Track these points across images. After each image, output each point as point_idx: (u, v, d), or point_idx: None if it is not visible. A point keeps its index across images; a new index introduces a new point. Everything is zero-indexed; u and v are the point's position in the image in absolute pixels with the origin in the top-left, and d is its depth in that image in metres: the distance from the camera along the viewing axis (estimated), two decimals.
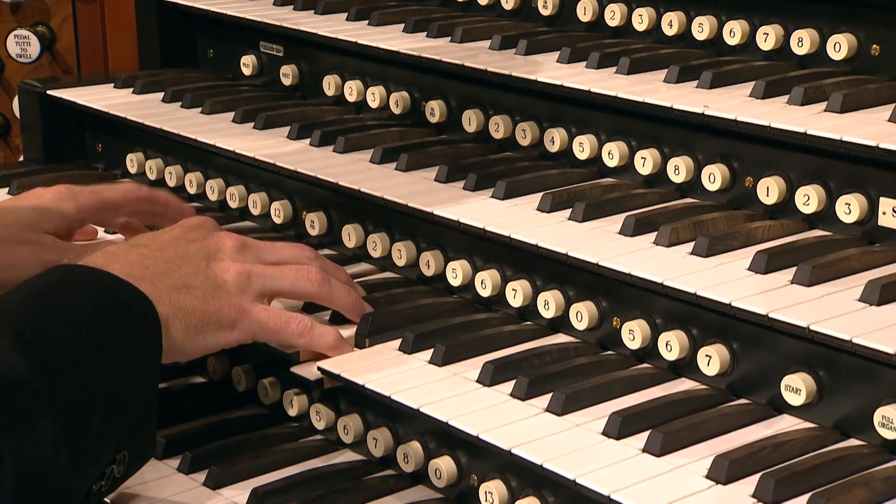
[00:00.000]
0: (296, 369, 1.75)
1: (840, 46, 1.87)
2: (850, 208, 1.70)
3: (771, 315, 1.52)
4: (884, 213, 1.69)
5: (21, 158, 2.74)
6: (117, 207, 2.03)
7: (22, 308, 1.53)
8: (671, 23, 2.07)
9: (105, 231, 2.20)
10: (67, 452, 1.42)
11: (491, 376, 1.68)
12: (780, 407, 1.59)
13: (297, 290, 1.76)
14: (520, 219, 1.83)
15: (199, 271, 1.67)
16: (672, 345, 1.66)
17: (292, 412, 1.87)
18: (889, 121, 1.69)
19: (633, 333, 1.70)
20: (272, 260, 1.76)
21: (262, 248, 1.77)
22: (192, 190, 2.36)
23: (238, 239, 1.74)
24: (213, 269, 1.68)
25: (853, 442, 1.53)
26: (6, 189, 2.44)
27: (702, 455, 1.50)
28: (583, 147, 1.99)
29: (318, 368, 1.73)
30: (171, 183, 2.39)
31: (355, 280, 1.92)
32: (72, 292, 1.56)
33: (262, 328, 1.69)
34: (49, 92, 2.57)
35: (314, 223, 2.12)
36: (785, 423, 1.57)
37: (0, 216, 1.91)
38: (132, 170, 2.48)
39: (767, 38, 1.95)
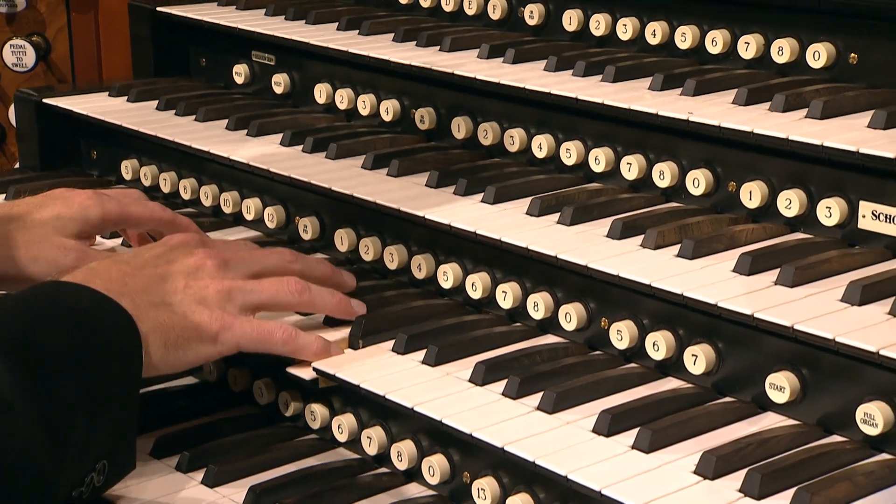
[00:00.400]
0: (291, 369, 1.75)
1: (819, 55, 1.89)
2: (830, 212, 1.71)
3: (756, 315, 1.53)
4: (863, 217, 1.70)
5: (17, 166, 2.73)
6: (140, 224, 2.01)
7: (6, 318, 1.54)
8: (654, 32, 2.08)
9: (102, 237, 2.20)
10: (48, 446, 1.42)
11: (483, 376, 1.68)
12: (765, 405, 1.61)
13: (278, 303, 1.75)
14: (510, 223, 1.84)
15: (177, 289, 1.67)
16: (659, 345, 1.67)
17: (287, 412, 1.87)
18: (868, 127, 1.71)
19: (621, 334, 1.71)
20: (255, 271, 1.76)
21: (243, 261, 1.76)
22: (186, 196, 2.36)
23: (218, 257, 1.74)
24: (193, 287, 1.68)
25: (836, 438, 1.54)
26: (3, 195, 2.44)
27: (689, 451, 1.51)
28: (570, 153, 2.00)
29: (314, 369, 1.73)
30: (166, 189, 2.39)
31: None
32: (54, 306, 1.57)
33: (246, 339, 1.69)
34: (45, 100, 2.57)
35: (307, 228, 2.13)
36: (769, 421, 1.59)
37: (31, 213, 1.91)
38: (127, 176, 2.48)
39: (748, 47, 1.96)
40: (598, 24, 2.16)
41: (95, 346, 1.54)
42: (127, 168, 2.48)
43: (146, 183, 2.43)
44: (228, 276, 1.72)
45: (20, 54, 2.81)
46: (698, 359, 1.64)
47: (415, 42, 2.27)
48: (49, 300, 1.58)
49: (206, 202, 2.32)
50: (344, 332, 1.80)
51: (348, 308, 1.81)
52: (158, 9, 2.68)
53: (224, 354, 1.69)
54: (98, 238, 2.18)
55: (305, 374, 1.73)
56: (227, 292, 1.69)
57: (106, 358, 1.54)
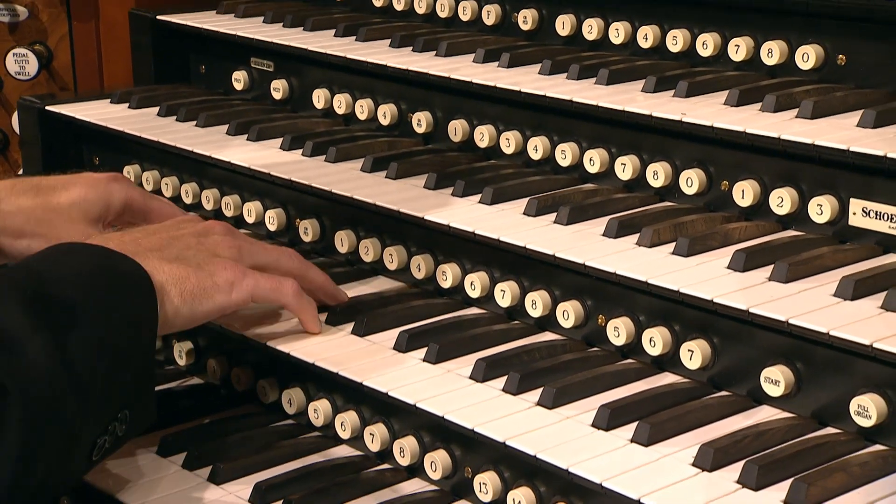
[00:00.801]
0: None
1: (808, 57, 1.89)
2: (821, 209, 1.72)
3: (752, 310, 1.54)
4: (854, 214, 1.70)
5: (20, 172, 2.72)
6: (156, 220, 1.98)
7: (26, 274, 1.56)
8: (646, 36, 2.08)
9: None
10: (73, 394, 1.44)
11: (483, 373, 1.68)
12: (760, 398, 1.61)
13: (280, 266, 1.80)
14: (507, 223, 1.84)
15: (190, 245, 1.72)
16: (655, 340, 1.67)
17: (291, 410, 1.87)
18: (857, 126, 1.71)
19: (618, 330, 1.71)
20: (257, 251, 1.81)
21: (248, 239, 1.82)
22: (188, 200, 2.35)
23: (226, 226, 1.81)
24: (205, 243, 1.73)
25: (830, 430, 1.54)
26: None
27: (687, 444, 1.51)
28: (565, 154, 2.00)
29: (314, 365, 1.73)
30: (168, 193, 2.39)
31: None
32: (71, 262, 1.59)
33: (260, 288, 1.72)
34: (48, 107, 2.56)
35: (307, 230, 2.12)
36: (765, 414, 1.59)
37: (57, 190, 1.91)
38: None
39: (739, 49, 1.97)
40: (591, 29, 2.16)
41: (111, 296, 1.55)
42: (129, 173, 2.47)
43: (148, 188, 2.43)
44: (236, 238, 1.78)
45: (23, 63, 2.80)
46: (694, 354, 1.64)
47: (411, 47, 2.27)
48: (65, 256, 1.60)
49: (208, 206, 2.31)
50: (346, 330, 1.80)
51: (335, 291, 1.88)
52: (158, 17, 2.67)
53: (238, 305, 1.71)
54: None
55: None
56: (239, 247, 1.76)
57: (122, 307, 1.56)
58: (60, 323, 1.47)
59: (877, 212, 1.68)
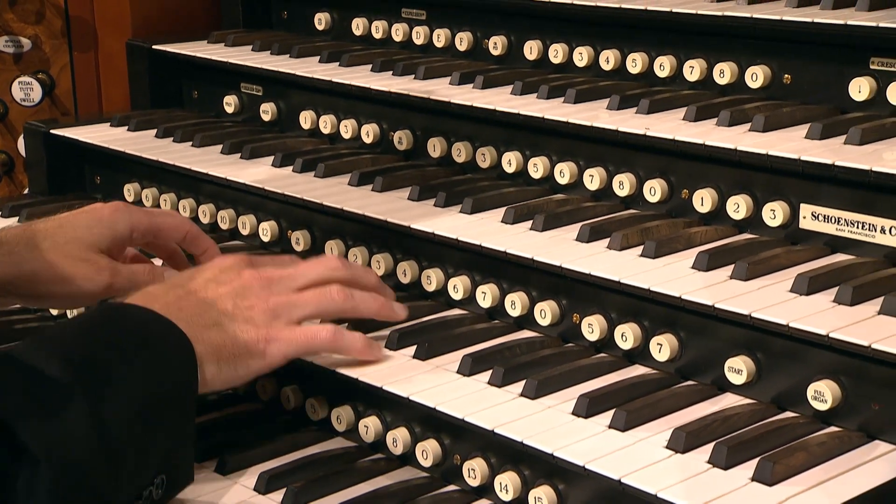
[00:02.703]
0: None
1: (757, 76, 1.91)
2: (774, 214, 1.73)
3: (717, 305, 1.54)
4: (804, 217, 1.72)
5: (25, 192, 2.69)
6: (167, 235, 1.92)
7: (72, 335, 1.50)
8: (608, 59, 2.09)
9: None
10: (106, 464, 1.37)
11: (470, 367, 1.68)
12: (724, 386, 1.61)
13: (322, 311, 1.69)
14: (487, 230, 1.84)
15: (227, 311, 1.62)
16: (627, 336, 1.68)
17: (289, 406, 1.85)
18: (805, 138, 1.73)
19: (592, 327, 1.71)
20: (299, 286, 1.69)
21: (287, 278, 1.69)
22: (185, 215, 2.32)
23: (264, 277, 1.67)
24: (240, 307, 1.63)
25: (789, 414, 1.55)
26: (16, 218, 2.40)
27: (660, 429, 1.51)
28: (536, 167, 2.00)
29: (311, 363, 1.72)
30: (167, 209, 2.37)
31: None
32: (117, 326, 1.53)
33: (293, 347, 1.64)
34: (52, 131, 2.53)
35: (299, 240, 2.11)
36: (729, 400, 1.59)
37: (60, 230, 1.82)
38: (129, 199, 2.45)
39: (693, 70, 1.98)
40: (557, 53, 2.16)
41: (155, 366, 1.49)
42: (129, 191, 2.45)
43: (147, 204, 2.41)
44: (274, 293, 1.66)
45: (27, 90, 2.78)
46: (663, 347, 1.64)
47: (391, 72, 2.27)
48: (114, 322, 1.53)
49: (205, 220, 2.29)
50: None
51: (391, 311, 1.75)
52: (154, 47, 2.65)
53: (274, 367, 1.64)
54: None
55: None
56: (273, 310, 1.64)
57: (165, 378, 1.50)
58: (100, 390, 1.40)
59: (825, 215, 1.69)
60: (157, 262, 1.99)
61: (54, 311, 2.11)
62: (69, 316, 2.05)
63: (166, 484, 1.49)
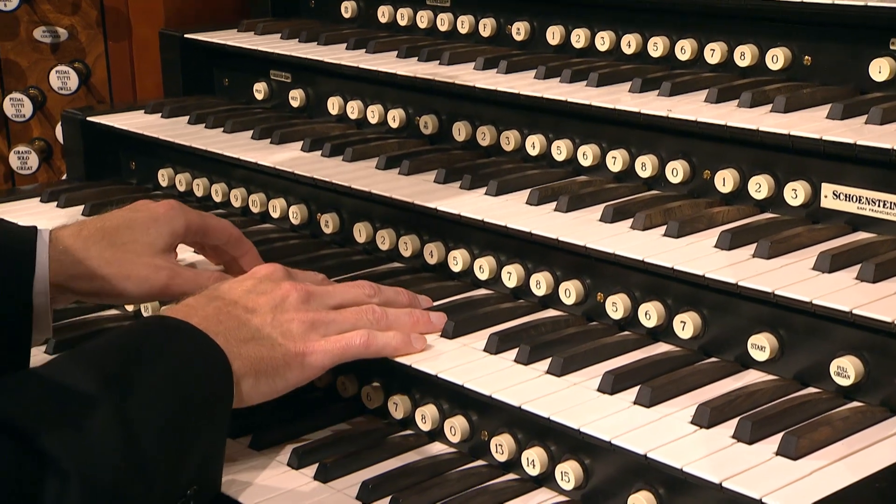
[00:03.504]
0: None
1: (777, 58, 1.87)
2: (796, 193, 1.70)
3: (740, 283, 1.51)
4: (825, 197, 1.68)
5: (64, 177, 2.68)
6: (215, 236, 1.90)
7: (107, 350, 1.47)
8: (629, 43, 2.06)
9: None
10: (138, 479, 1.34)
11: (496, 346, 1.65)
12: (747, 363, 1.58)
13: (357, 327, 1.65)
14: (512, 211, 1.81)
15: (265, 323, 1.59)
16: (650, 314, 1.65)
17: (321, 384, 1.83)
18: (827, 118, 1.70)
19: (616, 305, 1.69)
20: (334, 304, 1.67)
21: (324, 294, 1.66)
22: (217, 199, 2.32)
23: (302, 290, 1.64)
24: (279, 319, 1.60)
25: (811, 390, 1.52)
26: (55, 203, 2.39)
27: (685, 405, 1.49)
28: (560, 150, 1.97)
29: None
30: (199, 193, 2.35)
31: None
32: (153, 340, 1.50)
33: (329, 357, 1.60)
34: (89, 118, 2.52)
35: (328, 223, 2.09)
36: (752, 377, 1.56)
37: (118, 231, 1.79)
38: (163, 183, 2.44)
39: (714, 53, 1.94)
40: (579, 38, 2.13)
41: (190, 381, 1.46)
42: (163, 176, 2.43)
43: (181, 189, 2.39)
44: (311, 308, 1.63)
45: (65, 79, 2.76)
46: (686, 325, 1.61)
47: (416, 58, 2.24)
48: (150, 336, 1.50)
49: (236, 203, 2.28)
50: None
51: (427, 323, 1.70)
52: (186, 36, 2.63)
53: (311, 378, 1.61)
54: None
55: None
56: (310, 323, 1.60)
57: (199, 393, 1.47)
58: (131, 404, 1.36)
59: (846, 194, 1.66)
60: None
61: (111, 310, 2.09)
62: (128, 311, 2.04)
63: (196, 493, 1.47)
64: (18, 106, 2.82)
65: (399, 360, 1.65)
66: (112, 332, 1.55)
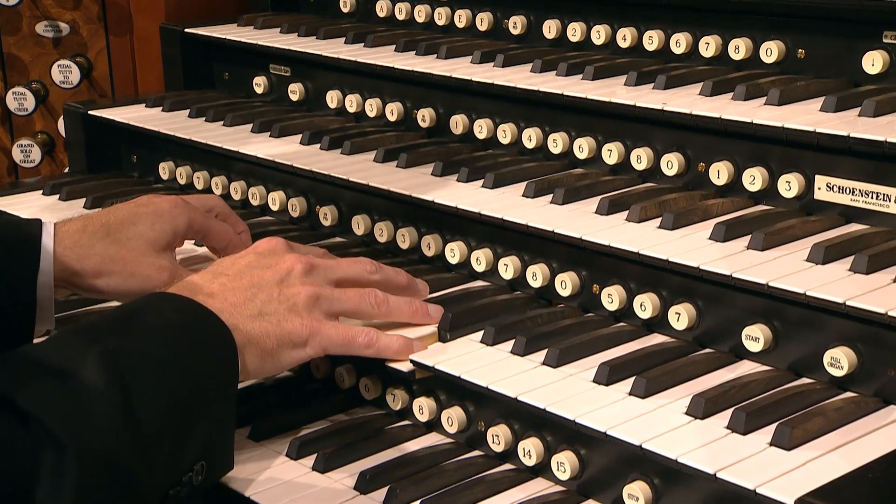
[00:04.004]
0: (390, 364, 1.63)
1: (771, 52, 1.85)
2: (789, 185, 1.68)
3: (735, 275, 1.50)
4: (819, 189, 1.67)
5: (66, 170, 2.66)
6: (214, 239, 1.89)
7: (109, 325, 1.45)
8: (625, 37, 2.04)
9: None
10: (136, 449, 1.32)
11: (493, 337, 1.64)
12: (741, 354, 1.57)
13: (359, 312, 1.64)
14: (509, 204, 1.80)
15: (272, 298, 1.57)
16: (645, 305, 1.63)
17: (318, 374, 1.82)
18: (820, 111, 1.68)
19: (612, 297, 1.67)
20: (338, 278, 1.64)
21: (327, 267, 1.64)
22: (217, 192, 2.30)
23: (306, 262, 1.62)
24: (285, 293, 1.57)
25: (805, 381, 1.51)
26: (57, 196, 2.38)
27: (679, 396, 1.47)
28: (556, 143, 1.95)
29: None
30: (199, 186, 2.33)
31: None
32: (158, 316, 1.48)
33: (332, 343, 1.58)
34: (90, 112, 2.50)
35: (327, 215, 2.07)
36: (746, 368, 1.55)
37: (122, 226, 1.78)
38: (164, 176, 2.42)
39: (708, 46, 1.93)
40: (575, 32, 2.11)
41: (193, 356, 1.44)
42: (164, 169, 2.42)
43: (182, 182, 2.37)
44: (316, 281, 1.61)
45: (66, 73, 2.74)
46: (681, 316, 1.60)
47: (414, 51, 2.22)
48: (153, 312, 1.48)
49: (236, 196, 2.26)
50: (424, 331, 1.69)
51: (425, 314, 1.67)
52: (186, 30, 2.61)
53: (312, 357, 1.59)
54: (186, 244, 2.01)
55: (404, 366, 1.63)
56: (315, 298, 1.58)
57: (203, 368, 1.45)
58: (131, 379, 1.34)
59: (839, 186, 1.64)
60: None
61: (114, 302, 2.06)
62: None
63: (206, 470, 1.45)
64: (21, 100, 2.80)
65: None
66: (114, 308, 1.53)
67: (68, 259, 1.73)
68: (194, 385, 1.43)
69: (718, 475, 1.30)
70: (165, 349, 1.42)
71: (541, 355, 1.58)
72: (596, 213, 1.73)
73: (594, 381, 1.52)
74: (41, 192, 2.41)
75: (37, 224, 1.74)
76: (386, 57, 2.21)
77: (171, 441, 1.38)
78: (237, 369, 1.50)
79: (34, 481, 1.23)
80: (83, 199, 2.31)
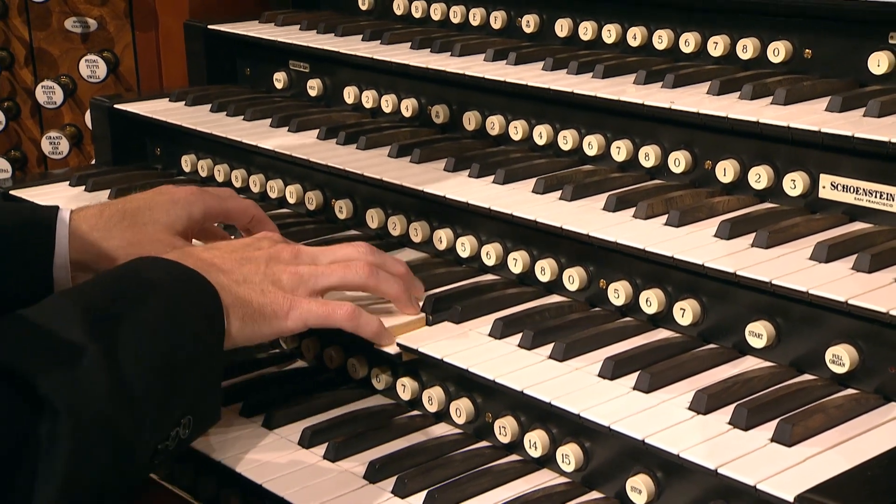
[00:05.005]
0: (378, 347, 1.63)
1: (778, 51, 1.82)
2: (794, 184, 1.64)
3: (738, 272, 1.47)
4: (823, 187, 1.63)
5: (93, 162, 2.65)
6: (235, 219, 1.87)
7: (96, 286, 1.44)
8: (635, 36, 2.00)
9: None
10: (124, 406, 1.30)
11: (501, 330, 1.61)
12: (744, 349, 1.54)
13: (346, 283, 1.61)
14: (519, 199, 1.77)
15: (258, 271, 1.56)
16: (651, 301, 1.60)
17: (331, 364, 1.80)
18: (826, 110, 1.64)
19: (618, 292, 1.64)
20: (326, 262, 1.63)
21: (316, 253, 1.64)
22: (237, 185, 2.28)
23: (294, 248, 1.62)
24: (271, 269, 1.57)
25: (807, 377, 1.47)
26: (83, 187, 2.36)
27: (683, 391, 1.44)
28: (566, 140, 1.92)
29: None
30: (220, 179, 2.32)
31: None
32: (147, 277, 1.46)
33: (313, 315, 1.56)
34: (116, 106, 2.48)
35: (342, 209, 2.05)
36: (749, 363, 1.52)
37: (139, 212, 1.77)
38: (186, 169, 2.40)
39: (717, 46, 1.89)
40: (586, 31, 2.08)
41: (179, 313, 1.43)
42: (186, 162, 2.40)
43: (203, 174, 2.36)
44: (301, 263, 1.60)
45: (94, 68, 2.73)
46: (686, 312, 1.57)
47: (429, 49, 2.19)
48: (140, 272, 1.47)
49: (255, 189, 2.24)
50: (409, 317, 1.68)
51: (407, 304, 1.65)
52: (209, 27, 2.59)
53: (294, 331, 1.57)
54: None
55: (392, 349, 1.63)
56: (300, 275, 1.57)
57: (189, 325, 1.44)
58: (116, 337, 1.33)
59: (844, 185, 1.61)
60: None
61: None
62: None
63: (193, 424, 1.44)
64: (50, 93, 2.79)
65: (406, 343, 1.61)
66: (105, 271, 1.52)
67: (86, 243, 1.72)
68: (181, 345, 1.41)
69: (719, 471, 1.28)
70: (154, 310, 1.40)
71: (547, 349, 1.56)
72: (604, 209, 1.70)
73: (599, 375, 1.49)
74: (68, 183, 2.40)
75: (53, 209, 1.74)
76: (402, 54, 2.18)
77: (159, 398, 1.37)
78: (223, 326, 1.49)
79: (28, 445, 1.22)
80: (108, 191, 2.30)
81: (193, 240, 1.86)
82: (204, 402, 1.47)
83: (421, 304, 1.68)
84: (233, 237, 1.90)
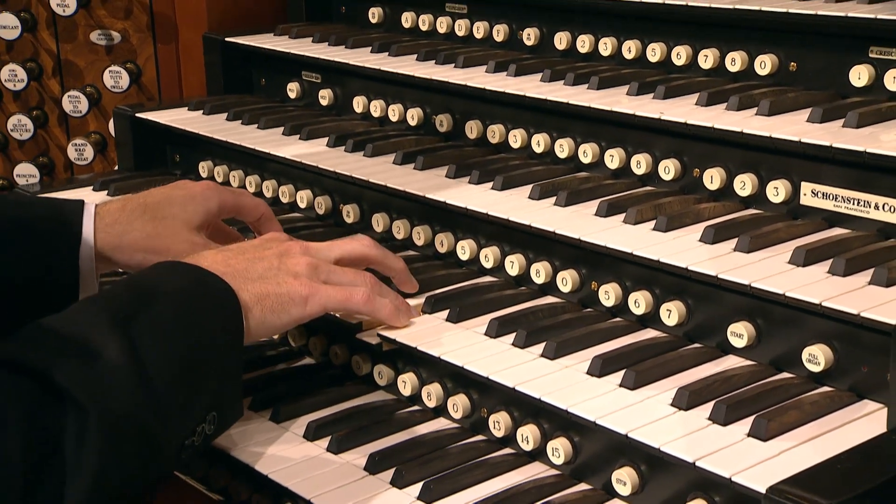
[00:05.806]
0: (360, 335, 1.68)
1: (765, 64, 1.84)
2: (777, 191, 1.67)
3: (720, 276, 1.49)
4: (804, 195, 1.66)
5: (116, 168, 2.70)
6: (249, 214, 1.90)
7: (119, 291, 1.48)
8: (630, 49, 2.03)
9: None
10: (150, 405, 1.34)
11: (496, 330, 1.65)
12: (727, 349, 1.56)
13: (354, 282, 1.64)
14: (515, 205, 1.80)
15: (272, 266, 1.59)
16: (639, 302, 1.63)
17: (337, 361, 1.84)
18: (807, 121, 1.67)
19: (608, 294, 1.67)
20: (335, 256, 1.67)
21: (325, 247, 1.67)
22: (251, 190, 2.31)
23: (304, 244, 1.66)
24: (285, 262, 1.60)
25: (785, 375, 1.50)
26: (105, 191, 2.40)
27: (667, 388, 1.47)
28: (562, 148, 1.95)
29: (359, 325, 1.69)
30: (235, 184, 2.35)
31: None
32: (167, 281, 1.50)
33: (331, 300, 1.59)
34: (138, 114, 2.53)
35: (349, 213, 2.09)
36: (731, 362, 1.55)
37: (158, 206, 1.80)
38: (203, 175, 2.44)
39: (707, 59, 1.92)
40: (584, 44, 2.11)
41: (199, 312, 1.47)
42: (203, 168, 2.44)
43: (219, 180, 2.40)
44: (314, 256, 1.64)
45: (117, 78, 2.78)
46: (672, 313, 1.60)
47: (434, 61, 2.23)
48: (160, 276, 1.51)
49: (268, 194, 2.28)
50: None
51: (397, 321, 1.67)
52: (227, 39, 2.63)
53: (312, 316, 1.59)
54: None
55: (372, 338, 1.67)
56: (315, 266, 1.60)
57: (209, 323, 1.47)
58: (139, 337, 1.36)
59: (823, 192, 1.63)
60: None
61: None
62: None
63: (217, 420, 1.47)
64: (76, 102, 2.84)
65: (406, 341, 1.64)
66: (126, 277, 1.56)
67: (110, 235, 1.76)
68: (202, 344, 1.44)
69: (697, 463, 1.31)
70: (174, 312, 1.44)
71: (539, 348, 1.59)
72: (595, 214, 1.73)
73: (588, 372, 1.52)
74: (92, 187, 2.44)
75: (79, 203, 1.77)
76: (408, 66, 2.22)
77: (183, 396, 1.40)
78: (242, 326, 1.52)
79: (57, 443, 1.25)
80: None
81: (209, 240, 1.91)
82: (226, 398, 1.50)
83: (414, 302, 1.72)
84: (245, 238, 1.94)
